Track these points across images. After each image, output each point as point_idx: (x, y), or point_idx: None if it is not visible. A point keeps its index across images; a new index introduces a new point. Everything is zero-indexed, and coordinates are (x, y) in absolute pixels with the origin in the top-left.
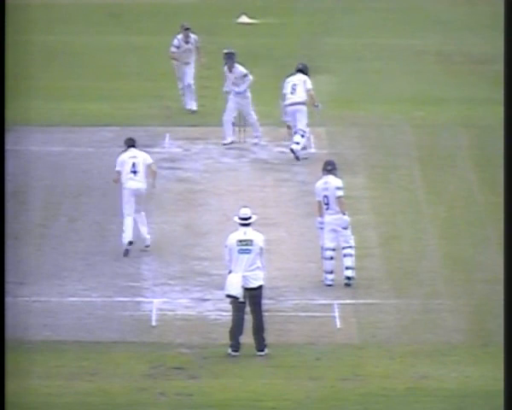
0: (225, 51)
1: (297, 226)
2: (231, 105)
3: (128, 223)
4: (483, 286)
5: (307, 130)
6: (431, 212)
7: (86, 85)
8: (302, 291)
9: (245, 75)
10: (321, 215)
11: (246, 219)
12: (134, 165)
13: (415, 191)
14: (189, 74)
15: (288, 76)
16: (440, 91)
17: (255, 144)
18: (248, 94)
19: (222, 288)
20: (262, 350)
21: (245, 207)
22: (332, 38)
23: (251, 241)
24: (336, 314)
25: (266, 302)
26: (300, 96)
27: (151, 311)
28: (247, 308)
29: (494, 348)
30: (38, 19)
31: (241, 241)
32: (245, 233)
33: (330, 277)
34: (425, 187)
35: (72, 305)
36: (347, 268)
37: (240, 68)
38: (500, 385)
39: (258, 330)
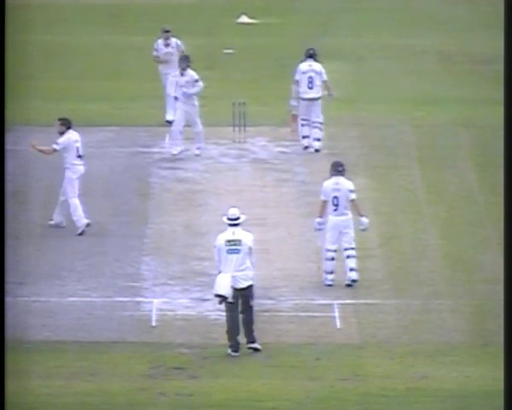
0: (180, 54)
1: (297, 226)
2: (180, 114)
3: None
4: (483, 286)
5: (322, 119)
6: (431, 212)
7: (86, 85)
8: (302, 291)
9: (196, 80)
10: (321, 216)
11: (234, 219)
12: (78, 149)
13: (415, 191)
14: (170, 83)
15: (301, 62)
16: (440, 91)
17: (196, 155)
18: (196, 102)
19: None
20: (253, 342)
21: (233, 207)
22: (332, 38)
23: (239, 241)
24: (336, 314)
25: (266, 302)
26: (318, 90)
27: (151, 311)
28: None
29: (494, 348)
30: (38, 19)
31: (229, 241)
32: (233, 233)
33: (330, 277)
34: (425, 187)
35: (71, 305)
36: (351, 270)
37: (191, 73)
38: (500, 385)
39: (248, 323)
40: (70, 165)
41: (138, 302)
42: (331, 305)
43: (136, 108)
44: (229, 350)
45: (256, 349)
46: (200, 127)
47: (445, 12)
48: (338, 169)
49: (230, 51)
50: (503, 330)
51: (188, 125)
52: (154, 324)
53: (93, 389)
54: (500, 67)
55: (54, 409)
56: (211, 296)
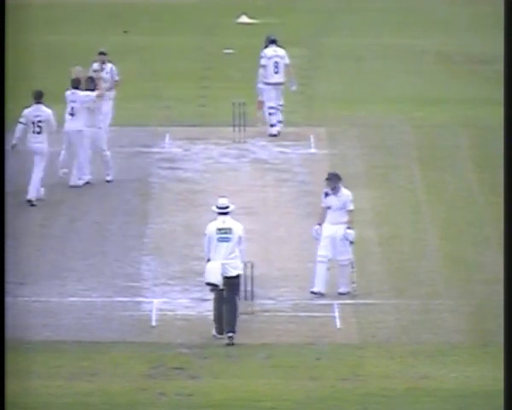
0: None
1: (297, 226)
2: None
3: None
4: (483, 286)
5: (282, 102)
6: (431, 212)
7: None
8: (302, 291)
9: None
10: (320, 223)
11: (224, 208)
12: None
13: (415, 191)
14: (107, 115)
15: (265, 47)
16: (440, 91)
17: (107, 181)
18: (102, 126)
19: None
20: (233, 332)
21: (222, 196)
22: (332, 38)
23: (230, 229)
24: (336, 314)
25: (266, 302)
26: (283, 75)
27: (151, 311)
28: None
29: (494, 348)
30: (39, 19)
31: (220, 229)
32: (224, 222)
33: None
34: (425, 187)
35: (72, 305)
36: (343, 282)
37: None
38: (500, 385)
39: (232, 312)
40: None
41: (138, 302)
42: (331, 305)
43: (136, 108)
44: (214, 332)
45: (231, 343)
46: (107, 155)
47: (445, 12)
48: (339, 177)
49: (230, 51)
50: (503, 330)
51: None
52: (154, 324)
53: (93, 389)
54: (500, 67)
55: (54, 409)
56: (211, 296)
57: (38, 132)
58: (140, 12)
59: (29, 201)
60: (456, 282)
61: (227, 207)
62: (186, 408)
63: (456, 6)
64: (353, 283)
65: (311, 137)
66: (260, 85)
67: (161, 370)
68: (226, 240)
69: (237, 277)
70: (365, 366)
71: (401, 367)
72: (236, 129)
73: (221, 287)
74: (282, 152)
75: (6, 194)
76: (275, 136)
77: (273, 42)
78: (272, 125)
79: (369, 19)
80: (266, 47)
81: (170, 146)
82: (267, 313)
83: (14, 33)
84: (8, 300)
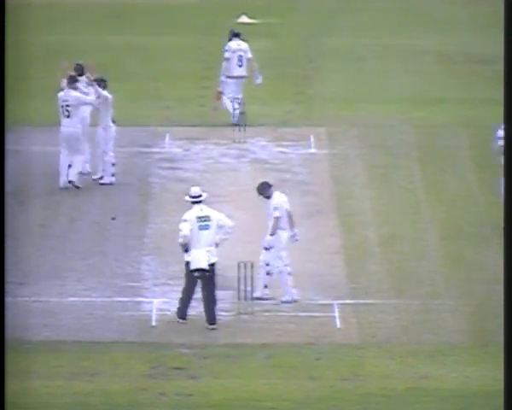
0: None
1: (297, 226)
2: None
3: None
4: (483, 286)
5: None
6: (431, 212)
7: None
8: (302, 291)
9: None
10: (273, 234)
11: (197, 196)
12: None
13: (415, 191)
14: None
15: (228, 41)
16: (440, 91)
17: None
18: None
19: (222, 288)
20: (214, 323)
21: (194, 186)
22: (332, 38)
23: (208, 217)
24: (336, 314)
25: (266, 302)
26: (245, 69)
27: (151, 311)
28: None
29: (494, 348)
30: (39, 19)
31: (199, 217)
32: (201, 210)
33: (266, 291)
34: (425, 187)
35: (72, 305)
36: (287, 287)
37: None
38: (500, 385)
39: (211, 303)
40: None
41: (138, 302)
42: (331, 305)
43: (136, 108)
44: (177, 317)
45: (214, 328)
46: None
47: (445, 12)
48: (269, 184)
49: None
50: (503, 330)
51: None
52: (154, 324)
53: (93, 389)
54: (500, 67)
55: (54, 409)
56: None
57: (67, 116)
58: (140, 12)
59: (70, 182)
60: (456, 282)
61: (200, 196)
62: (186, 408)
63: (456, 6)
64: (265, 287)
65: (311, 137)
66: (223, 78)
67: (161, 370)
68: (206, 228)
69: (214, 264)
70: (365, 366)
71: (401, 367)
72: (236, 129)
73: (208, 273)
74: (282, 152)
75: (6, 194)
76: (237, 125)
77: (237, 35)
78: (235, 116)
79: (369, 19)
80: (230, 40)
81: (170, 146)
82: (267, 313)
83: (14, 33)
84: (8, 300)
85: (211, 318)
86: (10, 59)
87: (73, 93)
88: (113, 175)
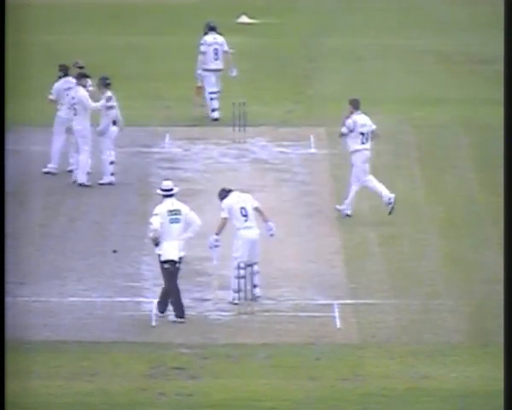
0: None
1: (297, 226)
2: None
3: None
4: (483, 286)
5: (219, 89)
6: (431, 212)
7: None
8: (302, 291)
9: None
10: (219, 233)
11: (169, 190)
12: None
13: (415, 191)
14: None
15: (204, 34)
16: (440, 91)
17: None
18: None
19: (222, 288)
20: (182, 317)
21: (166, 179)
22: (332, 38)
23: (179, 210)
24: (336, 314)
25: (266, 302)
26: (221, 62)
27: (151, 311)
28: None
29: (494, 348)
30: (38, 19)
31: (171, 211)
32: (172, 204)
33: (238, 295)
34: (425, 187)
35: (72, 305)
36: (255, 286)
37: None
38: (500, 385)
39: (179, 296)
40: None
41: (138, 302)
42: (331, 305)
43: (136, 108)
44: (157, 311)
45: (183, 321)
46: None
47: (444, 12)
48: (227, 190)
49: (230, 51)
50: (503, 330)
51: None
52: (153, 324)
53: (93, 389)
54: (500, 67)
55: (54, 409)
56: (211, 296)
57: (74, 114)
58: (140, 12)
59: (80, 184)
60: (456, 282)
61: (171, 190)
62: (186, 408)
63: (456, 6)
64: (256, 286)
65: (311, 137)
66: (199, 72)
67: (161, 370)
68: (177, 221)
69: (182, 257)
70: (365, 366)
71: (401, 367)
72: (236, 129)
73: (177, 265)
74: (282, 152)
75: (6, 194)
76: (216, 120)
77: (212, 29)
78: (214, 110)
79: (369, 19)
80: (206, 34)
81: (170, 146)
82: (267, 313)
83: (14, 33)
84: (8, 300)
85: (178, 311)
86: (10, 59)
87: (82, 92)
88: (112, 174)
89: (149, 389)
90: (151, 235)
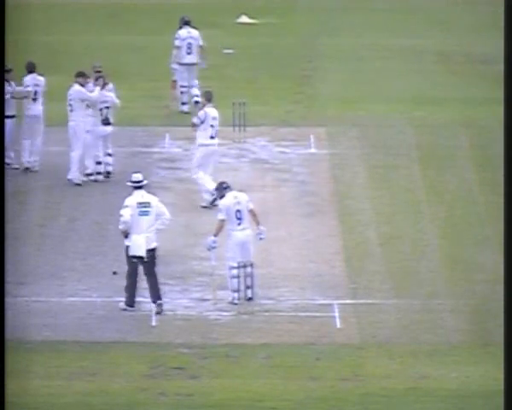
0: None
1: (297, 226)
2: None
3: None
4: (483, 286)
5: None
6: (431, 212)
7: None
8: (302, 291)
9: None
10: (217, 234)
11: (138, 181)
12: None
13: (415, 191)
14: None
15: (179, 29)
16: (440, 91)
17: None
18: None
19: (222, 288)
20: (160, 299)
21: (136, 172)
22: (332, 38)
23: (149, 203)
24: (336, 314)
25: (266, 302)
26: (195, 56)
27: (151, 311)
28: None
29: (494, 348)
30: (38, 19)
31: (140, 203)
32: (142, 196)
33: (237, 295)
34: (425, 187)
35: (72, 305)
36: (248, 287)
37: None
38: (500, 385)
39: (154, 284)
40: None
41: (138, 302)
42: (331, 305)
43: (136, 108)
44: (124, 305)
45: (160, 311)
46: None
47: (445, 12)
48: (224, 186)
49: (230, 51)
50: (503, 330)
51: None
52: (153, 324)
53: (93, 389)
54: (500, 67)
55: (54, 409)
56: (211, 296)
57: (70, 111)
58: (140, 12)
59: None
60: (456, 282)
61: (141, 181)
62: (186, 408)
63: (456, 6)
64: (249, 287)
65: (311, 137)
66: (174, 66)
67: (161, 370)
68: (146, 213)
69: (155, 249)
70: (365, 366)
71: (401, 367)
72: (236, 129)
73: (146, 259)
74: (282, 152)
75: (6, 194)
76: (187, 113)
77: (187, 23)
78: (184, 104)
79: (369, 19)
80: (180, 28)
81: (170, 146)
82: (267, 313)
83: (14, 33)
84: (8, 300)
85: (156, 297)
86: (10, 59)
87: (77, 87)
88: (99, 173)
89: (149, 389)
90: (121, 227)
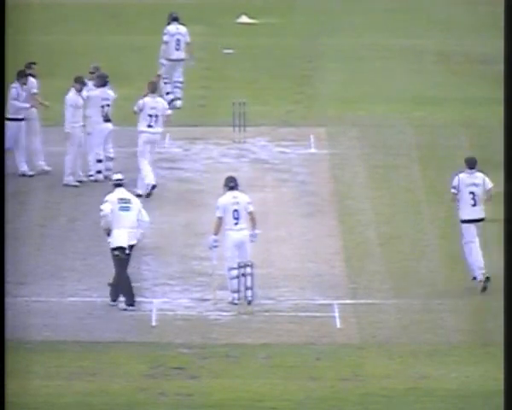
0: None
1: (297, 226)
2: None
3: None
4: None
5: (183, 80)
6: (431, 212)
7: None
8: (302, 291)
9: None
10: (217, 233)
11: (119, 180)
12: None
13: (415, 191)
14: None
15: (168, 24)
16: (440, 91)
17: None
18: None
19: (222, 288)
20: (132, 304)
21: (117, 173)
22: (332, 38)
23: (129, 200)
24: (336, 314)
25: (267, 302)
26: (183, 52)
27: (151, 311)
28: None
29: (494, 348)
30: (38, 19)
31: (121, 199)
32: (122, 193)
33: (237, 295)
34: (425, 187)
35: (72, 305)
36: (247, 288)
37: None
38: (500, 385)
39: (129, 283)
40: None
41: (138, 302)
42: (331, 305)
43: None
44: (125, 305)
45: (132, 307)
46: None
47: (445, 12)
48: (230, 185)
49: (230, 51)
50: (503, 330)
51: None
52: (154, 324)
53: (93, 389)
54: (500, 67)
55: (54, 409)
56: (211, 296)
57: (67, 115)
58: (140, 12)
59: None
60: (456, 282)
61: (122, 180)
62: (186, 408)
63: (456, 6)
64: (249, 288)
65: (311, 137)
66: (162, 61)
67: (161, 370)
68: (127, 209)
69: (133, 246)
70: (365, 366)
71: (401, 367)
72: (236, 129)
73: (127, 251)
74: (282, 152)
75: (6, 194)
76: (178, 108)
77: (175, 19)
78: (168, 93)
79: (370, 19)
80: (169, 24)
81: (170, 146)
82: (267, 313)
83: (14, 33)
84: (8, 300)
85: (130, 299)
86: (10, 59)
87: (71, 94)
88: (99, 172)
89: (149, 389)
90: (102, 223)
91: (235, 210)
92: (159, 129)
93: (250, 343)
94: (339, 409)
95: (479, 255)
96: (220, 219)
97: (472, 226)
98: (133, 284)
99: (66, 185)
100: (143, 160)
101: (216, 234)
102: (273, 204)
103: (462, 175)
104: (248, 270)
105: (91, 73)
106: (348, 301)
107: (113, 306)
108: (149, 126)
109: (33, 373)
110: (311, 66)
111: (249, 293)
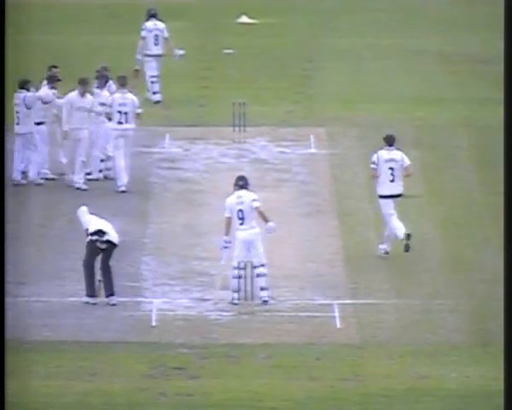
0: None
1: (297, 226)
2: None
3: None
4: (483, 286)
5: (158, 74)
6: (431, 212)
7: None
8: (302, 291)
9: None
10: (228, 233)
11: None
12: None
13: (415, 191)
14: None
15: (146, 21)
16: (440, 91)
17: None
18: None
19: (222, 288)
20: (93, 296)
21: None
22: (332, 38)
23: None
24: (336, 314)
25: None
26: (161, 47)
27: (151, 311)
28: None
29: (494, 348)
30: (38, 19)
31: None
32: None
33: (237, 295)
34: (425, 187)
35: (72, 305)
36: (262, 289)
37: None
38: (500, 385)
39: (111, 276)
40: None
41: (138, 302)
42: (331, 305)
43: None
44: (86, 297)
45: (114, 303)
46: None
47: (444, 12)
48: (239, 184)
49: (230, 51)
50: (503, 330)
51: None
52: (154, 324)
53: (93, 389)
54: (500, 67)
55: (54, 409)
56: (211, 296)
57: (65, 116)
58: (140, 12)
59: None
60: (456, 282)
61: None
62: (186, 408)
63: (456, 6)
64: (263, 289)
65: (311, 137)
66: (139, 57)
67: (161, 370)
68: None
69: (115, 244)
70: (365, 366)
71: (401, 367)
72: (236, 129)
73: (116, 242)
74: (282, 152)
75: (6, 194)
76: (158, 102)
77: (153, 16)
78: (155, 93)
79: (369, 19)
80: (147, 20)
81: (170, 146)
82: (267, 313)
83: (14, 33)
84: (8, 300)
85: (111, 291)
86: (10, 59)
87: (71, 95)
88: (100, 171)
89: (149, 389)
90: (85, 227)
91: (240, 210)
92: (128, 126)
93: (250, 343)
94: (339, 409)
95: (398, 222)
96: (229, 219)
97: (390, 202)
98: (133, 284)
99: (79, 188)
100: (119, 156)
101: (227, 234)
102: (273, 204)
103: (381, 152)
104: (260, 270)
105: (98, 72)
106: (348, 301)
107: (93, 302)
108: (119, 123)
109: (33, 373)
110: (311, 66)
111: (265, 293)
